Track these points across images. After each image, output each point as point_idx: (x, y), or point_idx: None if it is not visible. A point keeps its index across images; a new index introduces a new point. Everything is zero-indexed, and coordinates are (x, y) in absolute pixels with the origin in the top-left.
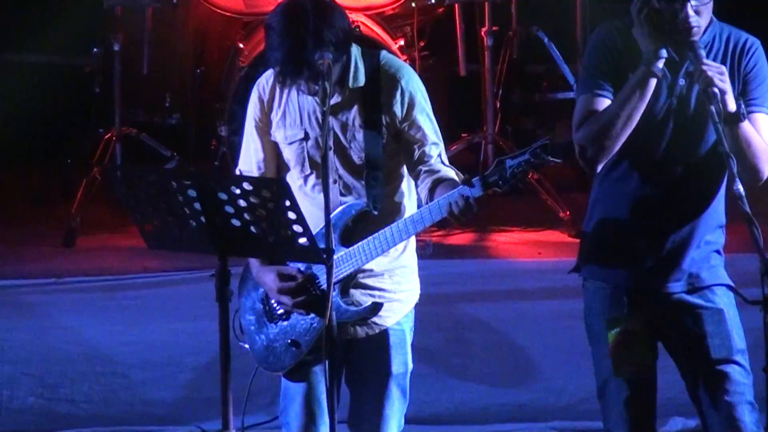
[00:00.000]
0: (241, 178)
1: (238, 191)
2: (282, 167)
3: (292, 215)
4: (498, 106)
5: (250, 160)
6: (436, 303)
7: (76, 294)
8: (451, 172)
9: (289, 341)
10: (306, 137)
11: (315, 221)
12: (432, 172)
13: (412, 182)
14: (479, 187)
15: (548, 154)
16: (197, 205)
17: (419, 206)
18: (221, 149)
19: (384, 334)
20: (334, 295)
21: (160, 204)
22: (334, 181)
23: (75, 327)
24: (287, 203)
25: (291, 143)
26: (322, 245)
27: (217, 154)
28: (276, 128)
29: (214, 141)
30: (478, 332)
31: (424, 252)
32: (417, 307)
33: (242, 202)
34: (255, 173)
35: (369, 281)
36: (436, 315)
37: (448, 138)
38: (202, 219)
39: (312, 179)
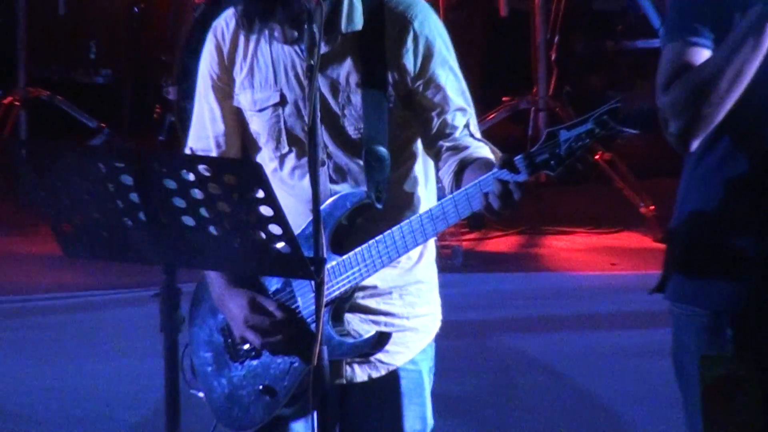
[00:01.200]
0: (197, 158)
1: (191, 177)
2: (249, 145)
3: (266, 211)
4: (553, 58)
5: (205, 134)
6: (467, 333)
7: None
8: (484, 149)
9: (261, 387)
10: (282, 101)
11: (295, 218)
12: (458, 149)
13: (431, 164)
14: (524, 170)
15: (620, 122)
16: (134, 197)
17: (440, 197)
18: (168, 118)
19: (393, 377)
20: (324, 322)
21: (82, 195)
22: (322, 163)
23: None
24: (260, 194)
25: (262, 110)
26: (307, 252)
27: (163, 126)
28: (241, 89)
29: (158, 107)
30: (526, 373)
31: (449, 262)
32: (439, 338)
33: (197, 193)
34: (213, 152)
35: (371, 303)
36: (467, 350)
37: (483, 103)
38: (141, 216)
39: (291, 160)
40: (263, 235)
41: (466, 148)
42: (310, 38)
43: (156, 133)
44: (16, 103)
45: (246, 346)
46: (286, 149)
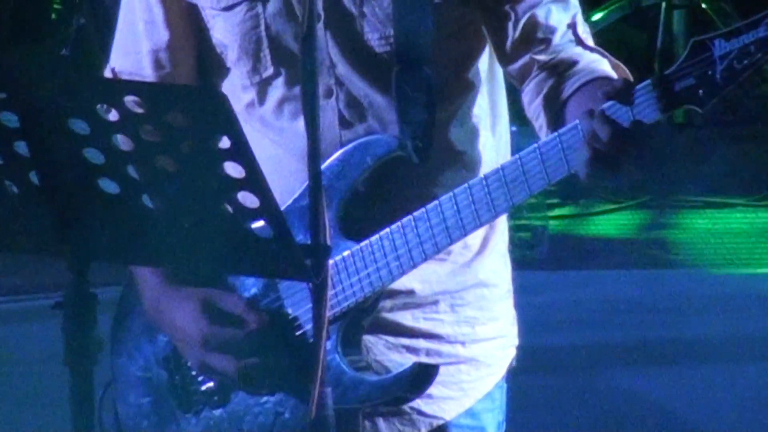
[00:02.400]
0: (124, 85)
1: (114, 116)
2: (211, 65)
3: (235, 170)
4: None
5: (136, 47)
6: (555, 365)
7: None
8: (603, 65)
9: None
10: None
11: (284, 181)
12: (560, 66)
13: (502, 95)
14: (653, 104)
15: None
16: (21, 147)
17: (520, 149)
18: (76, 21)
19: None
20: (330, 348)
21: None
22: (328, 93)
23: None
24: (225, 143)
25: (230, 7)
26: (302, 236)
27: (68, 31)
28: None
29: (58, 1)
30: (646, 427)
31: (528, 253)
32: (512, 374)
33: (123, 142)
34: (149, 76)
35: (405, 318)
36: (555, 392)
37: None
38: (33, 178)
39: (277, 89)
40: (229, 209)
41: (573, 63)
42: None
43: (56, 45)
44: None
45: (205, 386)
46: (269, 71)
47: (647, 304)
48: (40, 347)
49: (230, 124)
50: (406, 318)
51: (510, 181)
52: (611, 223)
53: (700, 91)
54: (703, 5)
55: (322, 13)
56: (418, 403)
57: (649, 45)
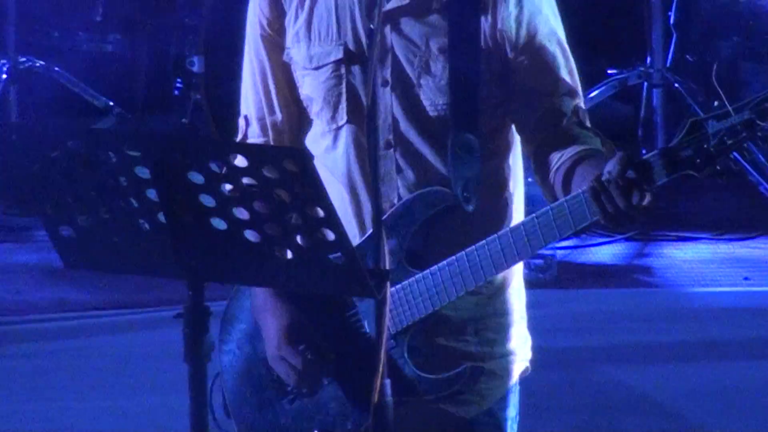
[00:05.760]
0: (229, 145)
1: (222, 169)
2: (299, 116)
3: (318, 211)
4: (672, 21)
5: (256, 96)
6: (559, 363)
7: None
8: (595, 140)
9: None
10: (347, 58)
11: (355, 220)
12: (560, 141)
13: (520, 158)
14: (661, 169)
15: None
16: (152, 194)
17: (532, 205)
18: (193, 96)
19: (463, 429)
20: (399, 355)
21: (87, 191)
22: (389, 145)
23: None
24: (311, 191)
25: (319, 68)
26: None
27: (187, 105)
28: (294, 41)
29: (180, 81)
30: (633, 414)
31: (539, 276)
32: (529, 374)
33: (229, 189)
34: (268, 118)
35: (438, 339)
36: (558, 384)
37: (582, 77)
38: (161, 217)
39: (348, 136)
40: (318, 239)
41: (572, 140)
42: None
43: (178, 114)
44: (4, 75)
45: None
46: (343, 120)
47: (633, 315)
48: (164, 348)
49: (312, 178)
50: (440, 340)
51: (545, 226)
52: (606, 252)
53: (698, 160)
54: (676, 85)
55: (390, 79)
56: (446, 405)
57: (633, 116)
